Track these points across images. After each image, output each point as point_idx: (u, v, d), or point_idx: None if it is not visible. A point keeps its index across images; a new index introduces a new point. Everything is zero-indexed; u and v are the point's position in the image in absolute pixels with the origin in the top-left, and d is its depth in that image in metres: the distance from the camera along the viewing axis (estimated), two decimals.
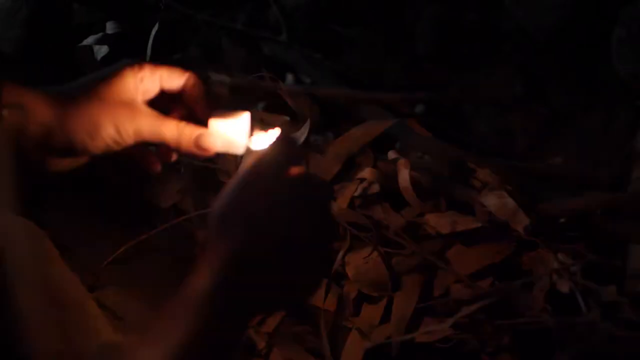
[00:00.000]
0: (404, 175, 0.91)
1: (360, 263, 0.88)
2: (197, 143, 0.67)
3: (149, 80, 0.67)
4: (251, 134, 0.66)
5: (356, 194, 0.92)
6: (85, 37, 0.96)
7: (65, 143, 0.65)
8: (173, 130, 0.67)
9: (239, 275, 0.55)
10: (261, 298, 0.57)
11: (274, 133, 0.65)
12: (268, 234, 0.56)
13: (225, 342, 0.55)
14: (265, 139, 0.65)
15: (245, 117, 0.66)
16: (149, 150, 0.70)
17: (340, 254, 0.89)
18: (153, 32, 0.95)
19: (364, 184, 0.93)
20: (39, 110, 0.63)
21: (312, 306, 0.90)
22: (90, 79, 0.67)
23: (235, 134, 0.66)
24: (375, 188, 0.92)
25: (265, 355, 0.87)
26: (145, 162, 0.70)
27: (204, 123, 0.67)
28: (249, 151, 0.66)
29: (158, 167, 0.70)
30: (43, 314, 0.54)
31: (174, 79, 0.68)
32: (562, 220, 0.95)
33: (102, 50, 0.96)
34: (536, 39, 1.20)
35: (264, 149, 0.61)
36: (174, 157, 0.70)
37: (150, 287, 0.87)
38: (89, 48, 0.95)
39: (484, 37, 1.29)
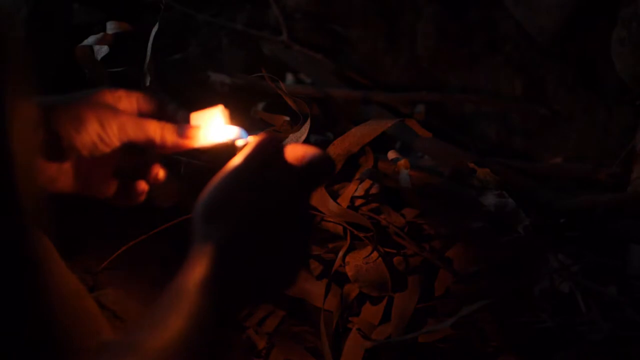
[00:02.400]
0: (404, 175, 0.91)
1: (360, 263, 0.88)
2: (181, 134, 0.68)
3: (125, 101, 0.69)
4: (228, 126, 0.68)
5: (356, 194, 0.92)
6: (85, 37, 0.96)
7: (51, 137, 0.65)
8: (156, 127, 0.68)
9: (227, 267, 0.56)
10: (249, 288, 0.58)
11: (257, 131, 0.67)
12: (251, 227, 0.58)
13: (217, 332, 0.56)
14: (243, 131, 0.67)
15: (220, 110, 0.68)
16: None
17: (340, 254, 0.89)
18: (153, 32, 0.95)
19: (364, 184, 0.93)
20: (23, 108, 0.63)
21: (312, 306, 0.90)
22: (72, 94, 0.68)
23: (213, 124, 0.68)
24: (375, 188, 0.92)
25: (265, 355, 0.88)
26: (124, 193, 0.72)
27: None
28: (231, 146, 0.67)
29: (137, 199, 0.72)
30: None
31: (147, 102, 0.70)
32: (562, 220, 0.95)
33: (102, 50, 0.96)
34: (536, 39, 1.20)
35: (247, 148, 0.62)
36: (145, 190, 0.72)
37: (150, 287, 0.87)
38: (89, 48, 0.95)
39: (484, 37, 1.29)
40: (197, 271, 0.55)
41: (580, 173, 1.13)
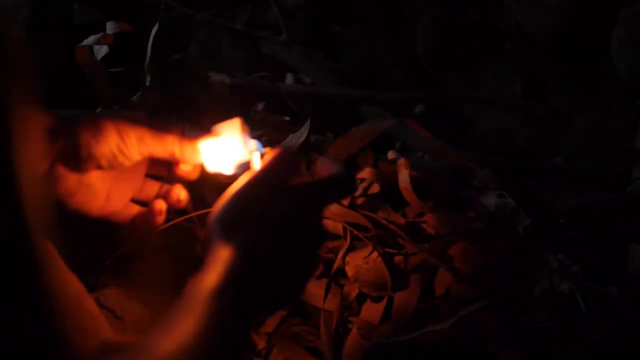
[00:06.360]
0: (404, 175, 0.91)
1: (360, 263, 0.88)
2: (200, 151, 0.68)
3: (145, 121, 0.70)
4: (246, 138, 0.68)
5: (356, 194, 0.92)
6: (85, 37, 0.96)
7: (69, 146, 0.65)
8: (175, 140, 0.68)
9: (242, 274, 0.56)
10: (263, 297, 0.58)
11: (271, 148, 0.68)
12: (267, 236, 0.58)
13: (232, 339, 0.56)
14: (259, 143, 0.67)
15: (238, 123, 0.68)
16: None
17: (340, 254, 0.89)
18: (153, 32, 0.95)
19: (364, 184, 0.93)
20: (41, 116, 0.63)
21: (312, 306, 0.90)
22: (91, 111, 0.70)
23: (232, 137, 0.68)
24: (375, 188, 0.92)
25: (265, 355, 0.87)
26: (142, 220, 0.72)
27: None
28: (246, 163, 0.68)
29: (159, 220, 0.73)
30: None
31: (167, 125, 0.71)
32: (562, 220, 0.95)
33: (102, 50, 0.96)
34: (536, 39, 1.20)
35: (265, 159, 0.63)
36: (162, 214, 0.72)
37: (150, 287, 0.87)
38: (89, 48, 0.95)
39: (484, 37, 1.29)
40: (213, 277, 0.55)
41: (580, 173, 1.13)
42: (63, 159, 0.66)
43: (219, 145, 0.69)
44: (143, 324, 0.83)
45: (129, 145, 0.67)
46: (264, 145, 0.68)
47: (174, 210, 0.83)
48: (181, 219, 0.89)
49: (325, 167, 0.64)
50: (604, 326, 0.79)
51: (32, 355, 0.50)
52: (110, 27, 0.97)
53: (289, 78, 1.34)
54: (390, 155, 0.98)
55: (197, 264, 0.86)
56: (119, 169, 0.69)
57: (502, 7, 1.22)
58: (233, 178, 0.66)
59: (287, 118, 0.97)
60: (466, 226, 0.90)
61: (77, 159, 0.66)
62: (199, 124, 0.72)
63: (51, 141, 0.65)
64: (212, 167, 0.69)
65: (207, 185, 0.90)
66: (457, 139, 1.24)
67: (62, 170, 0.67)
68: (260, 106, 1.18)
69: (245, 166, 0.68)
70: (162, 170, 0.74)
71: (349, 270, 0.88)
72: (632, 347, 0.79)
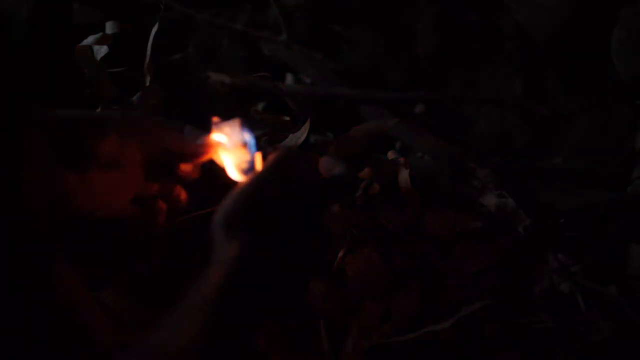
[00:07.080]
0: (404, 175, 0.91)
1: (360, 263, 0.88)
2: (199, 144, 0.68)
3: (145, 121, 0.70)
4: (246, 138, 0.68)
5: (356, 194, 0.92)
6: (85, 37, 0.96)
7: (70, 145, 0.65)
8: (174, 138, 0.69)
9: (246, 273, 0.56)
10: (267, 296, 0.58)
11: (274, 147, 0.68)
12: (271, 237, 0.59)
13: (235, 338, 0.56)
14: (261, 143, 0.67)
15: (238, 123, 0.68)
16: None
17: (340, 254, 0.89)
18: (153, 32, 0.95)
19: (364, 184, 0.93)
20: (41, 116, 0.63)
21: (312, 306, 0.90)
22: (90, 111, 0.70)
23: (232, 136, 0.68)
24: (375, 188, 0.92)
25: (265, 355, 0.87)
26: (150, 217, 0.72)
27: None
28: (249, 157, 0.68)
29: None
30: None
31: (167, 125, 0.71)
32: (562, 220, 0.95)
33: (101, 50, 0.96)
34: (536, 39, 1.20)
35: (268, 160, 0.63)
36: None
37: (150, 287, 0.87)
38: (89, 48, 0.95)
39: (484, 37, 1.29)
40: (217, 276, 0.56)
41: (580, 173, 1.13)
42: (63, 158, 0.66)
43: (219, 147, 0.69)
44: (143, 324, 0.83)
45: (129, 144, 0.67)
46: (265, 146, 0.68)
47: (174, 211, 0.83)
48: (181, 218, 0.89)
49: (326, 166, 0.65)
50: (604, 326, 0.79)
51: (33, 355, 0.50)
52: (110, 27, 0.97)
53: (289, 78, 1.35)
54: (390, 155, 0.98)
55: (197, 264, 0.86)
56: (119, 168, 0.69)
57: (502, 7, 1.22)
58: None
59: (287, 118, 0.97)
60: (466, 226, 0.90)
61: (77, 158, 0.66)
62: (199, 124, 0.72)
63: (51, 141, 0.65)
64: (232, 174, 0.69)
65: (207, 185, 0.90)
66: (457, 139, 1.24)
67: (62, 170, 0.67)
68: (260, 106, 1.18)
69: (247, 166, 0.68)
70: (162, 170, 0.74)
71: (349, 270, 0.88)
72: (632, 347, 0.79)
